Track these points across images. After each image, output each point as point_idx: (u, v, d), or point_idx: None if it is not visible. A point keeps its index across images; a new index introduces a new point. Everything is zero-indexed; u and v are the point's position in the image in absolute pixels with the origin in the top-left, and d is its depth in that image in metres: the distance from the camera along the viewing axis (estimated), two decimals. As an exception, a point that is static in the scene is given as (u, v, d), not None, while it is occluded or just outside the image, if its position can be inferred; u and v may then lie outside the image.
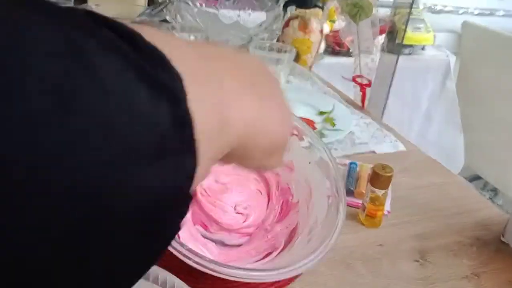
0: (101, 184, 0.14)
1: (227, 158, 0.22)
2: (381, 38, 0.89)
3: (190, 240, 0.43)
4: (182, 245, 0.34)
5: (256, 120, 0.23)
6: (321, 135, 0.71)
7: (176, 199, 0.17)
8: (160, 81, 0.16)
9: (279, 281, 0.41)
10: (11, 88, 0.12)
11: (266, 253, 0.44)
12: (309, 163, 0.47)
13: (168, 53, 0.16)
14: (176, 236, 0.37)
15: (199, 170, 0.17)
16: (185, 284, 0.34)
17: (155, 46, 0.16)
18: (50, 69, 0.13)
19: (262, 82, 0.25)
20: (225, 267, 0.34)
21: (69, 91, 0.13)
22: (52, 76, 0.13)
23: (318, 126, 0.75)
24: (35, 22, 0.14)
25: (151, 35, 0.17)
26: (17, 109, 0.12)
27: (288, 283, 0.42)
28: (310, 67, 1.02)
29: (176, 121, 0.16)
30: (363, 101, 0.87)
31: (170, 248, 0.33)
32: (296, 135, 0.48)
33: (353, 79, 0.89)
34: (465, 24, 1.64)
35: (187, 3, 0.95)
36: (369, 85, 0.87)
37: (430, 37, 1.57)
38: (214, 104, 0.19)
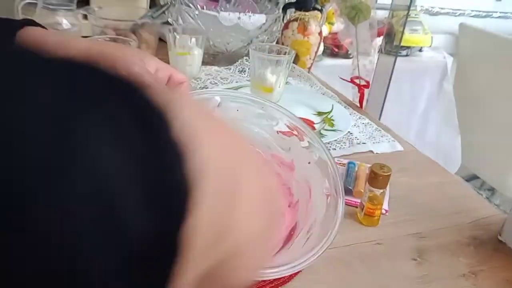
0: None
1: (208, 275, 0.19)
2: (379, 40, 0.90)
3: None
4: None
5: (253, 241, 0.20)
6: (320, 135, 0.72)
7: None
8: (161, 190, 0.13)
9: (278, 279, 0.41)
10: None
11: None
12: (309, 163, 0.48)
13: (199, 139, 0.14)
14: None
15: (184, 264, 0.15)
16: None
17: (178, 138, 0.14)
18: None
19: (273, 201, 0.22)
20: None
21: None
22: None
23: (317, 126, 0.76)
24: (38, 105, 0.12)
25: (190, 116, 0.15)
26: None
27: (288, 281, 0.42)
28: (309, 68, 1.03)
29: (159, 242, 0.13)
30: (361, 102, 0.88)
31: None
32: (296, 135, 0.49)
33: (351, 81, 0.90)
34: (462, 26, 1.65)
35: (188, 6, 0.96)
36: (367, 86, 0.88)
37: (428, 39, 1.58)
38: (224, 217, 0.17)
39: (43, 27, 0.46)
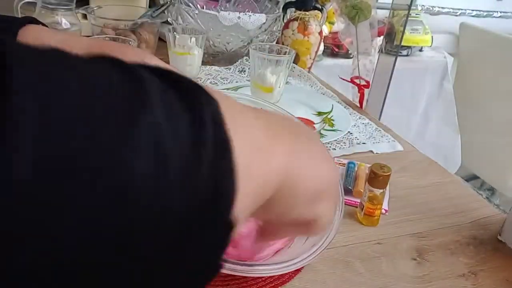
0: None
1: (269, 206, 0.22)
2: (380, 40, 0.90)
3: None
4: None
5: (294, 165, 0.22)
6: (320, 135, 0.71)
7: (219, 226, 0.17)
8: (210, 133, 0.17)
9: (278, 278, 0.41)
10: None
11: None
12: None
13: (229, 119, 0.18)
14: None
15: (240, 204, 0.18)
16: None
17: (209, 93, 0.18)
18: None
19: (300, 131, 0.25)
20: (225, 262, 0.35)
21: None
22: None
23: (317, 126, 0.76)
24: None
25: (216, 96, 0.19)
26: None
27: (288, 281, 0.42)
28: (309, 68, 1.03)
29: (218, 146, 0.17)
30: (361, 102, 0.88)
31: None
32: None
33: (352, 80, 0.90)
34: (462, 26, 1.65)
35: (188, 5, 0.95)
36: (367, 86, 0.88)
37: (428, 39, 1.58)
38: (252, 146, 0.20)
39: (44, 25, 0.46)
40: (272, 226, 0.29)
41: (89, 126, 0.14)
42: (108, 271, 0.15)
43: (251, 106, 0.24)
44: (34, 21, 0.44)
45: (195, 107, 0.17)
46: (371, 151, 0.70)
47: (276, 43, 1.02)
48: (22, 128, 0.12)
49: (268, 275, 0.37)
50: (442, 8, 1.94)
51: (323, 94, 0.91)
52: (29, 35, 0.41)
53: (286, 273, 0.43)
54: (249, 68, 0.93)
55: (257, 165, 0.20)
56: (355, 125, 0.79)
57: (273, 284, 0.42)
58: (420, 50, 1.63)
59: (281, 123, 0.24)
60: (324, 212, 0.26)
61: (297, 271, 0.44)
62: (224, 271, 0.34)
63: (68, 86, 0.14)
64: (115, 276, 0.15)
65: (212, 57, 0.98)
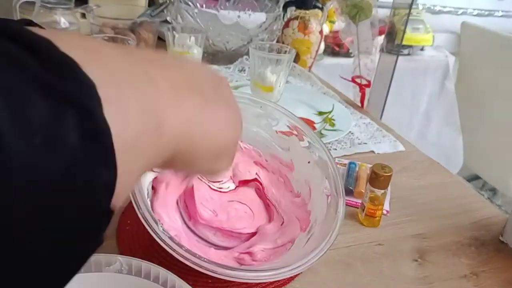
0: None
1: (169, 164, 0.21)
2: (381, 39, 0.90)
3: (191, 241, 0.43)
4: (181, 246, 0.34)
5: (195, 123, 0.22)
6: (321, 135, 0.71)
7: (94, 216, 0.16)
8: (66, 92, 0.14)
9: (278, 280, 0.41)
10: None
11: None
12: (309, 162, 0.47)
13: (85, 59, 0.16)
14: (175, 238, 0.37)
15: (122, 182, 0.16)
16: (185, 284, 0.34)
17: (64, 53, 0.15)
18: None
19: (204, 84, 0.24)
20: (224, 268, 0.34)
21: None
22: None
23: (317, 126, 0.75)
24: None
25: (68, 41, 0.16)
26: None
27: (288, 282, 0.42)
28: (310, 67, 1.02)
29: (86, 133, 0.15)
30: (362, 101, 0.87)
31: (171, 250, 0.34)
32: (296, 135, 0.48)
33: (353, 80, 0.89)
34: (464, 25, 1.64)
35: (188, 4, 0.95)
36: (368, 85, 0.87)
37: (429, 38, 1.58)
38: (141, 110, 0.18)
39: (41, 27, 0.45)
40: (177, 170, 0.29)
41: None
42: None
43: (146, 55, 0.22)
44: (31, 23, 0.43)
45: (58, 92, 0.14)
46: (372, 151, 0.70)
47: (277, 42, 1.02)
48: None
49: (269, 280, 0.36)
50: (444, 7, 1.93)
51: (324, 93, 0.90)
52: None
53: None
54: (249, 67, 0.92)
55: (145, 135, 0.18)
56: (356, 125, 0.78)
57: (273, 286, 0.41)
58: (422, 50, 1.62)
59: (185, 76, 0.23)
60: (222, 167, 0.27)
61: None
62: (222, 277, 0.34)
63: None
64: None
65: (211, 56, 0.98)
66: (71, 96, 0.15)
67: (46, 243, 0.15)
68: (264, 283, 0.41)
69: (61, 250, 0.16)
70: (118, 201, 0.17)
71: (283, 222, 0.46)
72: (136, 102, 0.18)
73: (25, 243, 0.14)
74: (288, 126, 0.49)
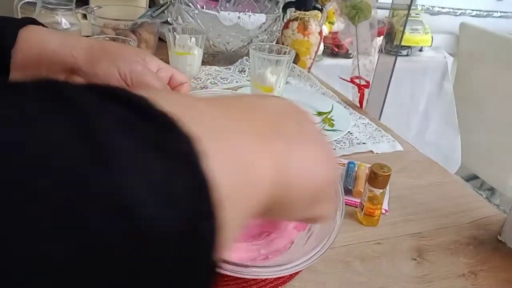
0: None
1: (269, 213, 0.21)
2: (380, 40, 0.90)
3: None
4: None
5: (284, 167, 0.21)
6: (320, 135, 0.71)
7: (199, 270, 0.16)
8: (174, 149, 0.15)
9: (278, 278, 0.41)
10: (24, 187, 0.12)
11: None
12: None
13: (182, 115, 0.16)
14: None
15: (225, 234, 0.16)
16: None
17: (165, 112, 0.16)
18: (66, 160, 0.13)
19: (287, 123, 0.23)
20: (225, 263, 0.35)
21: (82, 180, 0.13)
22: (68, 167, 0.13)
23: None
24: (42, 113, 0.13)
25: (163, 98, 0.17)
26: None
27: (288, 281, 0.42)
28: (309, 68, 1.03)
29: (193, 188, 0.15)
30: (361, 102, 0.88)
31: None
32: None
33: (352, 80, 0.90)
34: (462, 26, 1.65)
35: (188, 5, 0.95)
36: (367, 86, 0.88)
37: (428, 39, 1.58)
38: (236, 161, 0.18)
39: (44, 26, 0.46)
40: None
41: None
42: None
43: (230, 102, 0.22)
44: (34, 22, 0.44)
45: (167, 150, 0.15)
46: (371, 151, 0.70)
47: (276, 43, 1.02)
48: None
49: (269, 277, 0.36)
50: (442, 8, 1.94)
51: (323, 94, 0.91)
52: (30, 36, 0.41)
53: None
54: (249, 68, 0.93)
55: (243, 185, 0.18)
56: (355, 125, 0.79)
57: (273, 284, 0.42)
58: (420, 50, 1.62)
59: (268, 118, 0.22)
60: (324, 213, 0.26)
61: (297, 271, 0.44)
62: (223, 272, 0.34)
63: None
64: None
65: (212, 57, 0.98)
66: (178, 152, 0.15)
67: None
68: (264, 281, 0.42)
69: None
70: (220, 253, 0.17)
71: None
72: (230, 154, 0.18)
73: None
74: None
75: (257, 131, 0.21)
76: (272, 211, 0.21)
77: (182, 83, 0.46)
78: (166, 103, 0.16)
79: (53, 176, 0.12)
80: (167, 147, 0.15)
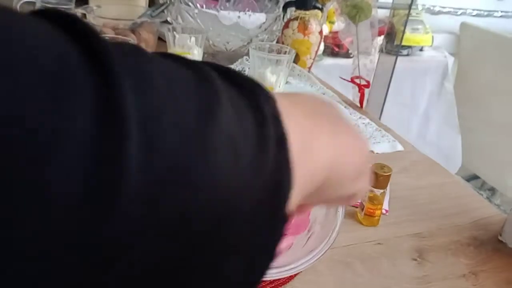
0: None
1: (319, 191, 0.23)
2: (380, 39, 0.90)
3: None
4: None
5: (334, 148, 0.24)
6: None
7: (275, 220, 0.18)
8: (263, 109, 0.19)
9: (278, 279, 0.41)
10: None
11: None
12: None
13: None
14: None
15: (293, 193, 0.19)
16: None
17: (274, 102, 0.20)
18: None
19: (333, 118, 0.26)
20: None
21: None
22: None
23: (317, 126, 0.75)
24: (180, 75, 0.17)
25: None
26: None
27: (288, 281, 0.42)
28: (309, 68, 1.02)
29: (277, 140, 0.18)
30: (361, 101, 0.88)
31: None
32: None
33: (352, 80, 0.90)
34: (463, 25, 1.65)
35: (188, 5, 0.95)
36: (367, 86, 0.88)
37: (429, 38, 1.58)
38: (307, 147, 0.21)
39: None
40: (311, 204, 0.31)
41: (178, 131, 0.15)
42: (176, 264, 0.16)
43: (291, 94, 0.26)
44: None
45: (257, 105, 0.18)
46: (372, 151, 0.70)
47: (276, 42, 1.02)
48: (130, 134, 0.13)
49: (269, 279, 0.36)
50: (443, 7, 1.93)
51: (323, 94, 0.91)
52: None
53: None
54: (249, 68, 0.93)
55: (305, 159, 0.21)
56: (355, 125, 0.78)
57: (273, 285, 0.42)
58: (421, 50, 1.62)
59: (318, 109, 0.26)
60: (363, 186, 0.28)
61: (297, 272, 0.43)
62: None
63: (158, 87, 0.15)
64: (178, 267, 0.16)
65: (212, 57, 0.98)
66: (266, 111, 0.18)
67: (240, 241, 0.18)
68: (264, 281, 0.41)
69: (245, 255, 0.18)
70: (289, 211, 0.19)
71: None
72: (301, 132, 0.21)
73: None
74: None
75: (309, 117, 0.23)
76: (322, 190, 0.24)
77: None
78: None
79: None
80: (259, 107, 0.18)
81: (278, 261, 0.40)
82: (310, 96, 0.27)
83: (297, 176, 0.19)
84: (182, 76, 0.17)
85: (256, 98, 0.19)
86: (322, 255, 0.38)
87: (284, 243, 0.44)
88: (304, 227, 0.44)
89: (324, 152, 0.23)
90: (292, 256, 0.39)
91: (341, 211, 0.42)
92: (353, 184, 0.27)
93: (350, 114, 0.81)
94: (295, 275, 0.43)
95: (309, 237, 0.42)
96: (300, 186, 0.20)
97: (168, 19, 0.95)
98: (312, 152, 0.22)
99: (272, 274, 0.36)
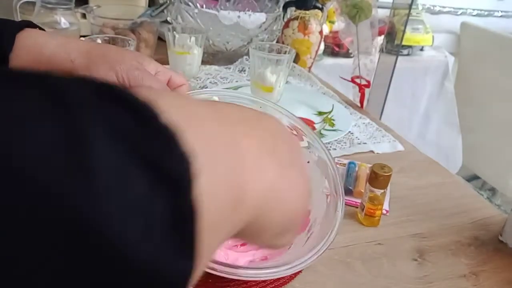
0: None
1: (238, 234, 0.20)
2: (380, 39, 0.90)
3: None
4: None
5: (274, 192, 0.20)
6: (320, 135, 0.71)
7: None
8: (164, 168, 0.14)
9: (278, 279, 0.41)
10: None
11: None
12: (308, 162, 0.47)
13: (183, 122, 0.15)
14: None
15: (199, 265, 0.15)
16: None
17: (167, 122, 0.15)
18: (45, 165, 0.12)
19: (282, 147, 0.22)
20: (225, 266, 0.34)
21: (58, 193, 0.12)
22: (46, 173, 0.12)
23: (317, 126, 0.75)
24: (31, 109, 0.13)
25: (169, 103, 0.16)
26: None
27: (288, 282, 0.42)
28: (310, 68, 1.02)
29: (176, 215, 0.14)
30: (362, 101, 0.88)
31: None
32: (295, 135, 0.49)
33: (352, 80, 0.90)
34: (463, 25, 1.65)
35: (188, 4, 0.95)
36: (368, 85, 0.87)
37: (429, 38, 1.58)
38: (229, 182, 0.17)
39: (42, 28, 0.45)
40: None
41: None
42: None
43: (230, 114, 0.21)
44: (31, 25, 0.44)
45: (159, 170, 0.14)
46: (372, 151, 0.70)
47: (276, 42, 1.02)
48: None
49: (269, 278, 0.36)
50: (443, 7, 1.93)
51: (324, 93, 0.91)
52: (27, 40, 0.41)
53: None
54: (249, 68, 0.92)
55: (231, 211, 0.17)
56: (355, 125, 0.78)
57: (273, 285, 0.41)
58: (421, 50, 1.62)
59: (265, 138, 0.21)
60: (286, 243, 0.25)
61: (298, 272, 0.43)
62: (224, 275, 0.34)
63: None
64: None
65: (212, 57, 0.98)
66: (169, 172, 0.14)
67: None
68: (264, 282, 0.41)
69: None
70: (192, 282, 0.16)
71: None
72: (225, 175, 0.17)
73: None
74: (288, 126, 0.49)
75: (255, 151, 0.20)
76: (240, 234, 0.20)
77: (181, 85, 0.46)
78: (169, 107, 0.15)
79: (24, 191, 0.12)
80: (160, 166, 0.14)
81: (278, 261, 0.39)
82: (271, 121, 0.23)
83: (212, 238, 0.16)
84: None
85: (165, 158, 0.14)
86: (321, 253, 0.38)
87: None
88: (304, 227, 0.44)
89: (257, 193, 0.19)
90: (292, 256, 0.39)
91: (340, 211, 0.42)
92: (277, 237, 0.23)
93: (351, 114, 0.81)
94: (295, 275, 0.43)
95: (308, 237, 0.42)
96: (214, 242, 0.17)
97: (168, 19, 0.95)
98: (244, 197, 0.18)
99: (272, 272, 0.36)
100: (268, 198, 0.20)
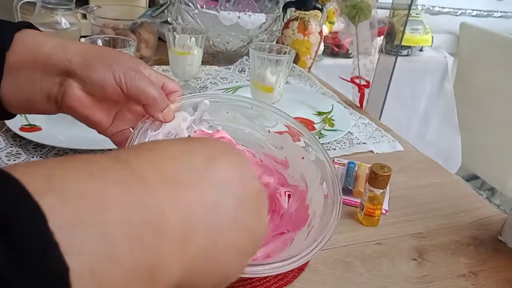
0: None
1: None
2: (380, 40, 0.90)
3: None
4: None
5: (201, 264, 0.19)
6: (320, 135, 0.71)
7: None
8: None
9: (282, 279, 0.41)
10: None
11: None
12: (302, 158, 0.48)
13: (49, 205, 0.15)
14: None
15: None
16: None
17: (30, 232, 0.14)
18: None
19: (227, 201, 0.20)
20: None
21: None
22: None
23: (317, 126, 0.75)
24: None
25: (43, 181, 0.16)
26: None
27: (291, 281, 0.42)
28: (309, 68, 1.02)
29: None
30: (361, 102, 0.88)
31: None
32: (288, 132, 0.49)
33: (352, 80, 0.90)
34: (463, 26, 1.65)
35: (188, 5, 0.95)
36: (367, 86, 0.88)
37: (428, 39, 1.58)
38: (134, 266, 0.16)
39: (39, 30, 0.45)
40: None
41: None
42: None
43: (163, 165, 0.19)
44: (31, 26, 0.44)
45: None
46: (371, 151, 0.70)
47: (276, 42, 1.02)
48: None
49: (277, 272, 0.36)
50: (443, 8, 1.94)
51: (323, 94, 0.91)
52: (25, 39, 0.41)
53: (291, 273, 0.43)
54: (249, 68, 0.93)
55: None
56: (355, 125, 0.79)
57: (277, 285, 0.42)
58: (421, 50, 1.62)
59: (205, 195, 0.20)
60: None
61: (301, 270, 0.43)
62: None
63: None
64: None
65: (212, 57, 0.98)
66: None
67: None
68: (268, 281, 0.41)
69: None
70: None
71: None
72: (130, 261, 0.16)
73: None
74: (286, 127, 0.49)
75: (183, 224, 0.18)
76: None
77: (173, 91, 0.46)
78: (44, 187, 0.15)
79: None
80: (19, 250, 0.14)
81: (281, 256, 0.40)
82: (224, 171, 0.21)
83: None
84: None
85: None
86: (325, 243, 0.38)
87: (284, 240, 0.44)
88: (304, 222, 0.44)
89: (175, 272, 0.18)
90: (295, 250, 0.39)
91: (336, 211, 0.42)
92: None
93: (350, 114, 0.81)
94: (299, 273, 0.43)
95: (309, 231, 0.42)
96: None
97: (168, 19, 0.96)
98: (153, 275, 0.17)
99: (279, 268, 0.35)
100: (195, 269, 0.19)
